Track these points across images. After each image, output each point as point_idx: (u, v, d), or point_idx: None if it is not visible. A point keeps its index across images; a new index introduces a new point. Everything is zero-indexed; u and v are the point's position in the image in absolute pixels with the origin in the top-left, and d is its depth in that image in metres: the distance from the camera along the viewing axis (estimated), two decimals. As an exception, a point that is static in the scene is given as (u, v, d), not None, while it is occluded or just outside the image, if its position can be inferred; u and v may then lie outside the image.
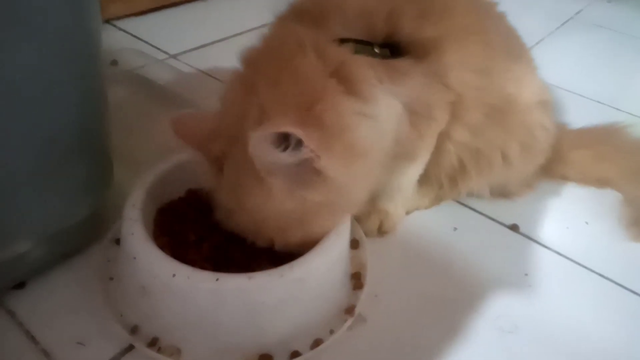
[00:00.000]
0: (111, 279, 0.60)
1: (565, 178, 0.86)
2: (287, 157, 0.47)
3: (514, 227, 0.78)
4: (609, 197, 0.84)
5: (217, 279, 0.51)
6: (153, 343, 0.54)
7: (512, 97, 0.70)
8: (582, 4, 1.63)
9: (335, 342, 0.57)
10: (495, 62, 0.67)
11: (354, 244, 0.67)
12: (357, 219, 0.69)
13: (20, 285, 0.61)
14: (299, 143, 0.46)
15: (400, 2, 0.60)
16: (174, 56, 1.13)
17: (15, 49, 0.47)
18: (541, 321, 0.64)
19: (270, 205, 0.52)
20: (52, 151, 0.54)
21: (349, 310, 0.60)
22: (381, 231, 0.73)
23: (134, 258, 0.54)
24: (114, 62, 1.05)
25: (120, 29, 1.22)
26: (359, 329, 0.60)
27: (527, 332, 0.63)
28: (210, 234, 0.59)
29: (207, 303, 0.52)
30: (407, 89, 0.58)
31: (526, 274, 0.71)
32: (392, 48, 0.60)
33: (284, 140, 0.46)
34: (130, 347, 0.56)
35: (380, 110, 0.56)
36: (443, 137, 0.68)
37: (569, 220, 0.81)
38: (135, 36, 1.19)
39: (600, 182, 0.85)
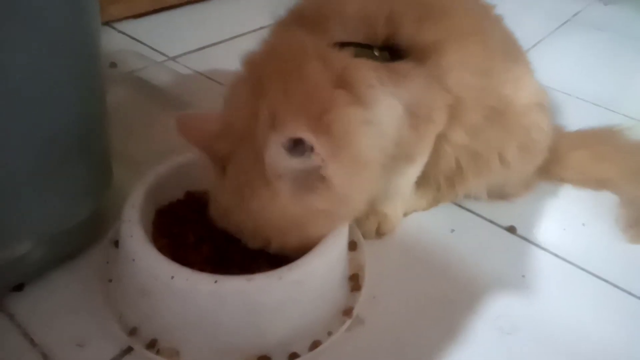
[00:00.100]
0: (110, 280, 0.60)
1: (562, 180, 0.87)
2: (298, 163, 0.48)
3: (511, 229, 0.78)
4: (606, 199, 0.84)
5: (215, 281, 0.51)
6: (152, 345, 0.54)
7: (510, 99, 0.70)
8: (579, 6, 1.63)
9: (334, 343, 0.57)
10: (493, 65, 0.68)
11: (352, 245, 0.67)
12: (355, 221, 0.70)
13: (19, 287, 0.61)
14: (310, 150, 0.47)
15: (399, 5, 0.61)
16: (173, 58, 1.13)
17: (16, 49, 0.47)
18: (539, 322, 0.65)
19: (273, 208, 0.52)
20: (51, 152, 0.55)
21: (347, 312, 0.60)
22: (379, 233, 0.73)
23: (133, 260, 0.54)
24: (113, 65, 1.05)
25: (119, 31, 1.22)
26: (357, 331, 0.60)
27: (525, 333, 0.63)
28: (210, 235, 0.59)
29: (206, 305, 0.52)
30: (408, 91, 0.59)
31: (523, 276, 0.71)
32: (391, 51, 0.60)
33: (296, 146, 0.47)
34: (129, 349, 0.56)
35: (382, 114, 0.57)
36: (441, 139, 0.68)
37: (566, 221, 0.81)
38: (134, 38, 1.20)
39: (598, 184, 0.86)
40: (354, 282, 0.63)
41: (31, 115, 0.51)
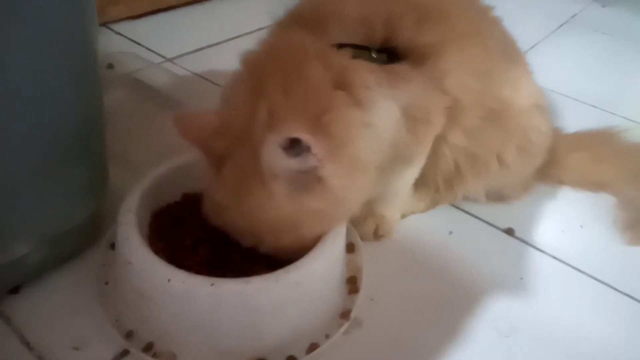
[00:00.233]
0: (107, 283, 0.60)
1: (560, 181, 0.87)
2: (295, 163, 0.48)
3: (509, 231, 0.78)
4: (604, 201, 0.84)
5: (212, 284, 0.51)
6: (148, 348, 0.54)
7: (509, 101, 0.70)
8: (577, 8, 1.63)
9: (331, 346, 0.57)
10: (491, 67, 0.68)
11: (350, 247, 0.67)
12: (353, 223, 0.69)
13: (16, 289, 0.61)
14: (307, 150, 0.47)
15: (398, 7, 0.61)
16: (171, 59, 1.13)
17: (15, 49, 0.47)
18: (538, 324, 0.64)
19: (269, 207, 0.52)
20: (50, 153, 0.54)
21: (345, 314, 0.60)
22: (377, 235, 0.73)
23: (129, 263, 0.54)
24: (110, 66, 1.05)
25: (117, 32, 1.22)
26: (354, 333, 0.60)
27: (524, 335, 0.63)
28: (207, 238, 0.59)
29: (203, 308, 0.52)
30: (406, 93, 0.59)
31: (522, 278, 0.71)
32: (389, 53, 0.60)
33: (293, 146, 0.47)
34: (126, 352, 0.55)
35: (380, 117, 0.57)
36: (439, 141, 0.68)
37: (564, 223, 0.81)
38: (131, 39, 1.19)
39: (596, 186, 0.86)
40: (352, 284, 0.63)
41: (29, 116, 0.51)
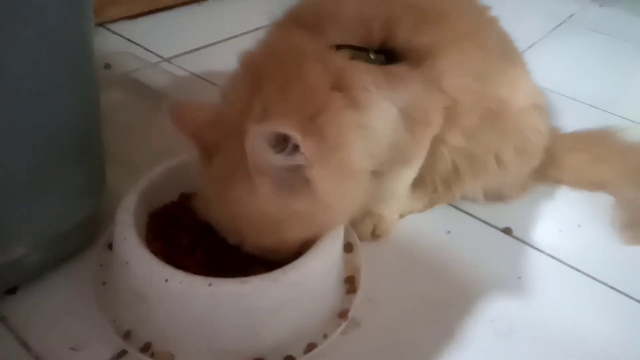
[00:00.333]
0: (104, 283, 0.60)
1: (558, 181, 0.87)
2: (280, 160, 0.47)
3: (507, 231, 0.78)
4: (602, 201, 0.84)
5: (210, 284, 0.51)
6: (146, 348, 0.54)
7: (507, 101, 0.70)
8: (574, 7, 1.64)
9: (329, 346, 0.57)
10: (489, 67, 0.68)
11: (348, 247, 0.67)
12: (351, 223, 0.69)
13: (12, 290, 0.61)
14: (296, 148, 0.46)
15: (396, 9, 0.61)
16: (168, 59, 1.13)
17: (15, 49, 0.47)
18: (535, 323, 0.65)
19: (251, 203, 0.51)
20: (46, 154, 0.54)
21: (343, 314, 0.60)
22: (375, 235, 0.73)
23: (127, 263, 0.53)
24: (108, 66, 1.04)
25: (114, 32, 1.21)
26: (352, 333, 0.60)
27: (521, 334, 0.63)
28: (204, 238, 0.59)
29: (200, 308, 0.51)
30: (404, 94, 0.59)
31: (519, 277, 0.71)
32: (387, 54, 0.60)
33: (281, 143, 0.46)
34: (124, 352, 0.55)
35: (377, 118, 0.57)
36: (437, 142, 0.68)
37: (562, 223, 0.81)
38: (128, 39, 1.19)
39: (594, 186, 0.86)
40: (350, 284, 0.63)
41: (27, 116, 0.51)
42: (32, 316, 0.59)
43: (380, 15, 0.60)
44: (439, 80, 0.62)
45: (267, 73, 0.53)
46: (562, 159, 0.85)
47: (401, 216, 0.77)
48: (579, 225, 0.81)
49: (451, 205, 0.81)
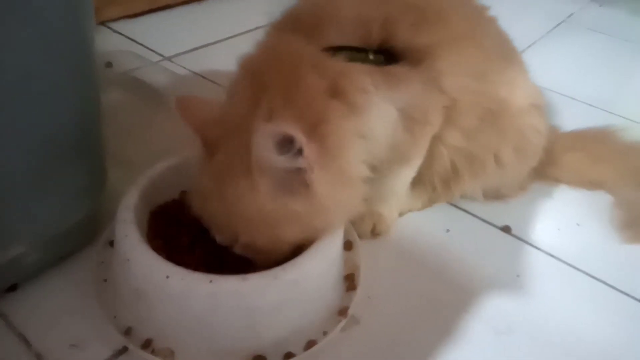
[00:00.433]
0: (105, 280, 0.60)
1: (557, 180, 0.87)
2: (284, 161, 0.48)
3: (506, 229, 0.78)
4: (601, 199, 0.85)
5: (210, 281, 0.51)
6: (147, 345, 0.54)
7: (506, 101, 0.70)
8: (573, 7, 1.64)
9: (329, 343, 0.57)
10: (488, 66, 0.68)
11: (348, 245, 0.67)
12: (351, 221, 0.69)
13: (13, 287, 0.61)
14: (299, 152, 0.47)
15: (395, 9, 0.61)
16: (169, 58, 1.13)
17: (15, 49, 0.47)
18: (534, 322, 0.65)
19: (251, 200, 0.52)
20: (48, 152, 0.54)
21: (342, 311, 0.60)
22: (374, 233, 0.73)
23: (128, 260, 0.54)
24: (109, 64, 1.05)
25: (115, 31, 1.22)
26: (352, 331, 0.60)
27: (520, 332, 0.63)
28: (204, 237, 0.59)
29: (201, 305, 0.52)
30: (403, 94, 0.59)
31: (518, 275, 0.71)
32: (386, 54, 0.60)
33: (286, 145, 0.47)
34: (124, 349, 0.56)
35: (376, 120, 0.57)
36: (436, 141, 0.68)
37: (561, 222, 0.81)
38: (130, 38, 1.19)
39: (593, 185, 0.86)
40: (350, 282, 0.63)
41: (28, 115, 0.51)
42: (32, 313, 0.59)
43: (379, 15, 0.60)
44: (439, 80, 0.62)
45: (269, 78, 0.54)
46: (561, 158, 0.85)
47: (401, 214, 0.78)
48: (578, 224, 0.81)
49: (450, 203, 0.82)
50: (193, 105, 0.56)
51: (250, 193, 0.51)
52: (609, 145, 0.89)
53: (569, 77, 1.23)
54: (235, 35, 1.24)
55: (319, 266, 0.56)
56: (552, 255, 0.75)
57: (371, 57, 0.59)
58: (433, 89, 0.62)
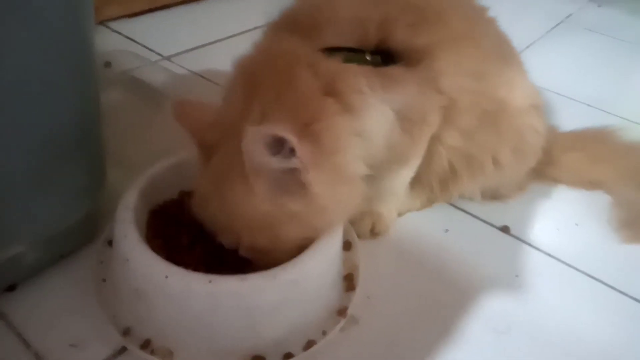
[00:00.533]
0: (104, 280, 0.60)
1: (556, 180, 0.87)
2: (276, 162, 0.48)
3: (504, 229, 0.78)
4: (600, 199, 0.85)
5: (210, 281, 0.51)
6: (146, 345, 0.54)
7: (504, 102, 0.70)
8: (572, 7, 1.64)
9: (328, 343, 0.57)
10: (487, 67, 0.68)
11: (347, 245, 0.67)
12: (350, 221, 0.70)
13: (12, 287, 0.61)
14: (292, 152, 0.47)
15: (392, 10, 0.61)
16: (168, 58, 1.13)
17: (12, 48, 0.47)
18: (533, 322, 0.65)
19: (247, 203, 0.52)
20: (47, 152, 0.54)
21: (342, 311, 0.60)
22: (373, 233, 0.73)
23: (127, 260, 0.54)
24: (108, 64, 1.05)
25: (114, 31, 1.21)
26: (351, 331, 0.60)
27: (519, 332, 0.63)
28: (204, 236, 0.59)
29: (200, 305, 0.52)
30: (400, 96, 0.59)
31: (517, 275, 0.71)
32: (383, 55, 0.60)
33: (278, 146, 0.47)
34: (123, 349, 0.56)
35: (372, 121, 0.57)
36: (435, 142, 0.68)
37: (560, 222, 0.81)
38: (129, 38, 1.19)
39: (591, 185, 0.86)
40: (349, 282, 0.63)
41: (27, 114, 0.51)
42: (31, 313, 0.59)
43: (376, 16, 0.60)
44: (437, 80, 0.62)
45: (262, 79, 0.54)
46: (559, 158, 0.85)
47: (399, 215, 0.78)
48: (577, 224, 0.81)
49: (449, 203, 0.82)
50: (189, 109, 0.56)
51: (248, 196, 0.51)
52: (607, 145, 0.89)
53: (568, 77, 1.23)
54: (235, 35, 1.24)
55: (318, 266, 0.56)
56: (551, 255, 0.75)
57: (368, 58, 0.59)
58: (431, 89, 0.62)
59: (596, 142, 0.89)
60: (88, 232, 0.66)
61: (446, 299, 0.66)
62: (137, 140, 0.84)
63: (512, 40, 0.77)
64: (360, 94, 0.56)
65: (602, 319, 0.67)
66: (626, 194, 0.84)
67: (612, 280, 0.72)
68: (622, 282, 0.71)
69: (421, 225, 0.77)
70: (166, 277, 0.51)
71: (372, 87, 0.56)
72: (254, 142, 0.47)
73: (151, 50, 1.15)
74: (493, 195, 0.81)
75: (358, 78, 0.56)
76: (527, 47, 1.35)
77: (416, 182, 0.75)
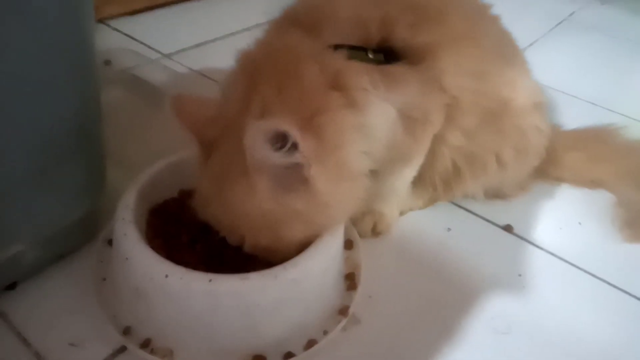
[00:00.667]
0: (104, 279, 0.60)
1: (559, 179, 0.87)
2: (278, 157, 0.47)
3: (507, 228, 0.78)
4: (602, 198, 0.85)
5: (210, 280, 0.51)
6: (146, 344, 0.54)
7: (507, 101, 0.70)
8: (575, 6, 1.63)
9: (329, 342, 0.57)
10: (489, 66, 0.68)
11: (348, 244, 0.67)
12: (352, 220, 0.69)
13: (12, 286, 0.61)
14: (294, 147, 0.46)
15: (394, 8, 0.60)
16: (168, 56, 1.13)
17: (12, 47, 0.47)
18: (535, 321, 0.64)
19: (249, 201, 0.51)
20: (46, 150, 0.54)
21: (343, 311, 0.60)
22: (375, 232, 0.73)
23: (127, 259, 0.53)
24: (108, 62, 1.04)
25: (114, 29, 1.21)
26: (352, 330, 0.60)
27: (521, 332, 0.63)
28: (204, 235, 0.59)
29: (201, 304, 0.51)
30: (402, 94, 0.59)
31: (520, 275, 0.71)
32: (386, 53, 0.60)
33: (280, 141, 0.46)
34: (123, 348, 0.55)
35: (375, 119, 0.56)
36: (438, 141, 0.68)
37: (563, 221, 0.81)
38: (129, 36, 1.19)
39: (594, 184, 0.86)
40: (350, 281, 0.63)
41: (27, 113, 0.51)
42: (31, 312, 0.59)
43: (377, 15, 0.60)
44: (440, 79, 0.61)
45: (264, 73, 0.53)
46: (562, 157, 0.85)
47: (401, 213, 0.77)
48: (580, 223, 0.81)
49: (452, 202, 0.81)
50: (188, 105, 0.55)
51: (249, 193, 0.51)
52: (610, 144, 0.89)
53: (570, 76, 1.23)
54: (235, 33, 1.24)
55: (320, 265, 0.56)
56: (553, 254, 0.75)
57: (370, 55, 0.59)
58: (434, 87, 0.61)
59: (599, 141, 0.89)
60: (88, 232, 0.66)
61: (448, 299, 0.66)
62: (137, 139, 0.84)
63: (515, 38, 0.76)
64: (364, 91, 0.55)
65: (604, 318, 0.66)
66: (629, 193, 0.84)
67: (614, 280, 0.71)
68: (625, 281, 0.71)
69: (423, 224, 0.77)
70: (166, 276, 0.51)
71: (375, 85, 0.56)
72: (255, 137, 0.46)
73: (151, 48, 1.15)
74: (496, 194, 0.81)
75: (361, 75, 0.55)
76: (529, 45, 1.35)
77: (419, 181, 0.74)
